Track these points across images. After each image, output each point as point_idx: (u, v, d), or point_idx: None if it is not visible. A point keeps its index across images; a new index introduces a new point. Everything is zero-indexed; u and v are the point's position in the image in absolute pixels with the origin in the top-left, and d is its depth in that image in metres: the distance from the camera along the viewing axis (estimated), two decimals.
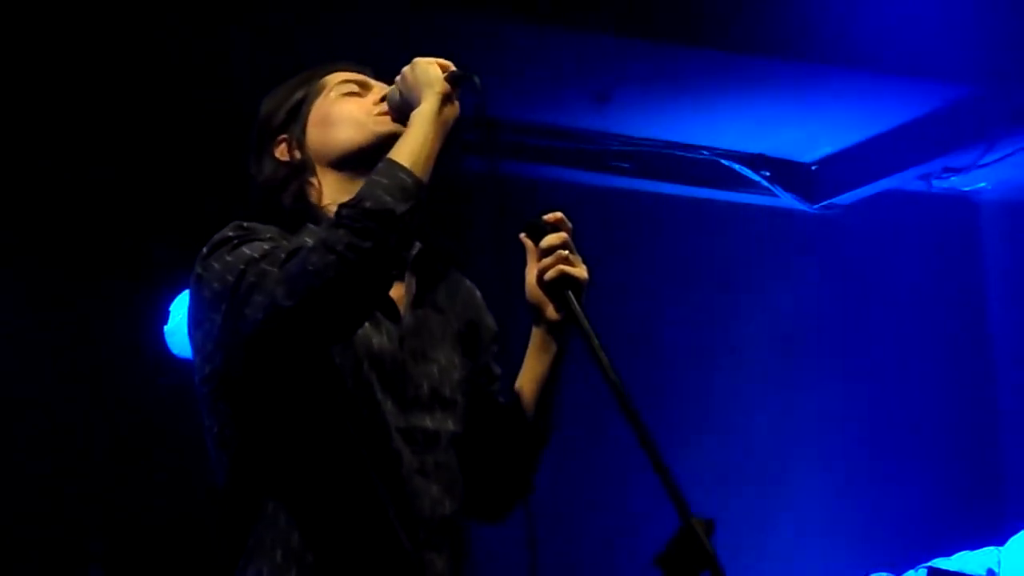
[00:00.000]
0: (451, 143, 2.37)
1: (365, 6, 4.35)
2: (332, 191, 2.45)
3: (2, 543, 4.54)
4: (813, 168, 5.69)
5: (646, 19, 4.56)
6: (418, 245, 2.48)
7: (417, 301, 2.47)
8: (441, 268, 2.54)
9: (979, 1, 4.87)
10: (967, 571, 4.40)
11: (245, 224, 2.37)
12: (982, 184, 5.72)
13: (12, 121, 4.63)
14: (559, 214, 2.46)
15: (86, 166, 4.74)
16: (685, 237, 5.65)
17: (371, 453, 2.32)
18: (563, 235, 2.43)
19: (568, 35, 4.57)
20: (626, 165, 5.40)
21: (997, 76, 5.01)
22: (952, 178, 5.63)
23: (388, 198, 2.22)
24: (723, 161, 5.54)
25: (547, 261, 2.42)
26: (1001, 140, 5.27)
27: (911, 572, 4.43)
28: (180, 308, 4.58)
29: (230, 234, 2.34)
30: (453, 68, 2.40)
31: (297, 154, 2.50)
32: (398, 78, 2.44)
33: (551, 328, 2.49)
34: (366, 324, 2.35)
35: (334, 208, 2.29)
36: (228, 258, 2.29)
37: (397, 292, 2.43)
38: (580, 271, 2.42)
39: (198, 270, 2.34)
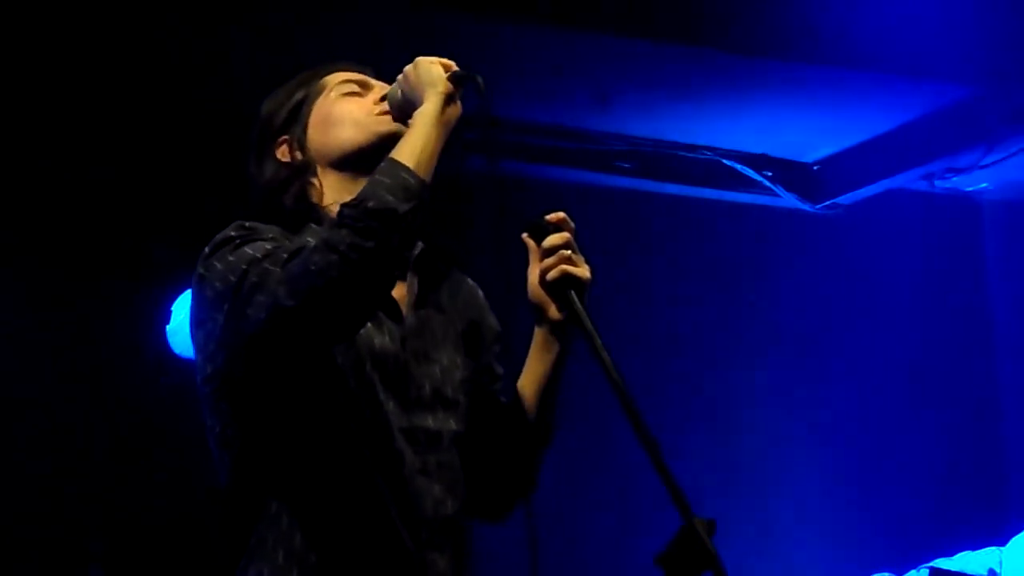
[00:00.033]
0: (452, 143, 2.37)
1: (365, 6, 4.35)
2: (333, 191, 2.45)
3: (2, 543, 4.54)
4: (815, 168, 5.69)
5: (648, 19, 4.55)
6: (420, 245, 2.48)
7: (419, 301, 2.47)
8: (443, 268, 2.54)
9: (980, 1, 4.87)
10: (969, 571, 4.40)
11: (247, 224, 2.37)
12: (984, 184, 5.72)
13: (12, 121, 4.63)
14: (561, 214, 2.46)
15: (86, 166, 4.74)
16: (687, 237, 5.65)
17: (373, 453, 2.32)
18: (566, 235, 2.43)
19: (570, 35, 4.56)
20: (628, 165, 5.40)
21: (999, 76, 5.01)
22: (954, 178, 5.62)
23: (390, 198, 2.22)
24: (725, 161, 5.53)
25: (549, 261, 2.42)
26: (1003, 140, 5.27)
27: (913, 572, 4.43)
28: (182, 308, 4.58)
29: (232, 234, 2.34)
30: (455, 68, 2.40)
31: (298, 155, 2.50)
32: (400, 77, 2.44)
33: (553, 328, 2.49)
34: (368, 324, 2.35)
35: (336, 208, 2.28)
36: (230, 258, 2.29)
37: (399, 292, 2.43)
38: (583, 271, 2.42)
39: (200, 270, 2.34)
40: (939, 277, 5.91)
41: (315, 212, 2.44)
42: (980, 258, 6.03)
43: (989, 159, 5.41)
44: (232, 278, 2.25)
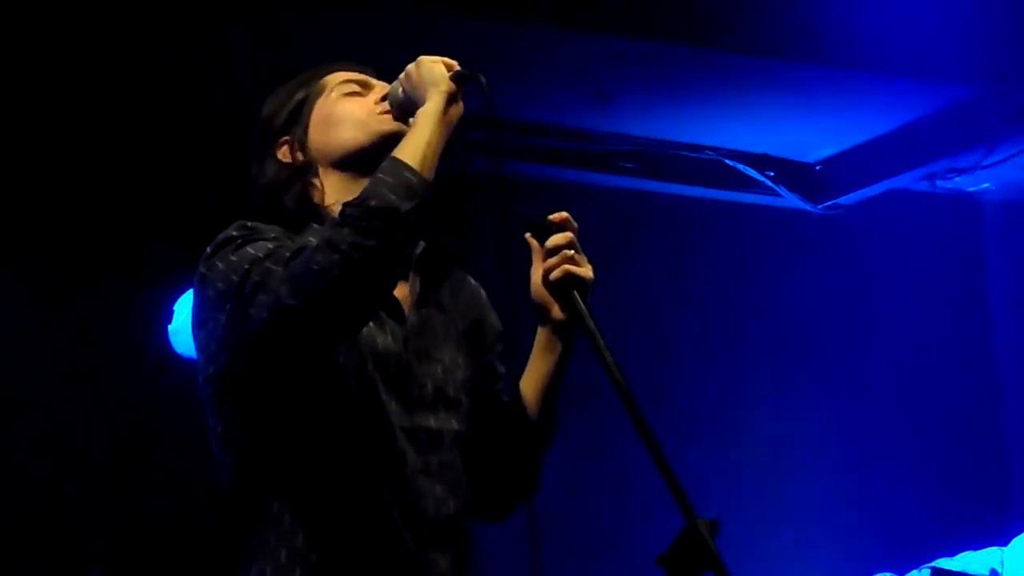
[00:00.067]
0: (454, 142, 2.37)
1: (365, 6, 4.34)
2: (335, 191, 2.45)
3: (2, 543, 4.53)
4: (817, 168, 5.69)
5: (650, 19, 4.55)
6: (422, 244, 2.48)
7: (421, 300, 2.47)
8: (445, 267, 2.54)
9: (981, 2, 4.87)
10: (970, 571, 4.41)
11: (249, 224, 2.37)
12: (986, 184, 5.72)
13: (12, 121, 4.62)
14: (565, 214, 2.46)
15: (86, 166, 4.74)
16: (689, 237, 5.65)
17: (375, 453, 2.32)
18: (569, 235, 2.43)
19: (572, 35, 4.56)
20: (630, 165, 5.40)
21: (999, 76, 5.01)
22: (956, 178, 5.63)
23: (393, 196, 2.21)
24: (727, 161, 5.53)
25: (552, 261, 2.42)
26: (1005, 140, 5.27)
27: (914, 572, 4.43)
28: (184, 307, 4.58)
29: (234, 234, 2.34)
30: (458, 67, 2.40)
31: (299, 155, 2.50)
32: (402, 76, 2.44)
33: (556, 328, 2.49)
34: (370, 324, 2.35)
35: (338, 208, 2.28)
36: (232, 257, 2.28)
37: (401, 292, 2.43)
38: (586, 271, 2.42)
39: (202, 270, 2.34)
40: (940, 277, 5.91)
41: (317, 212, 2.44)
42: (981, 258, 6.03)
43: (990, 159, 5.41)
44: (234, 278, 2.25)
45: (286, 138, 2.52)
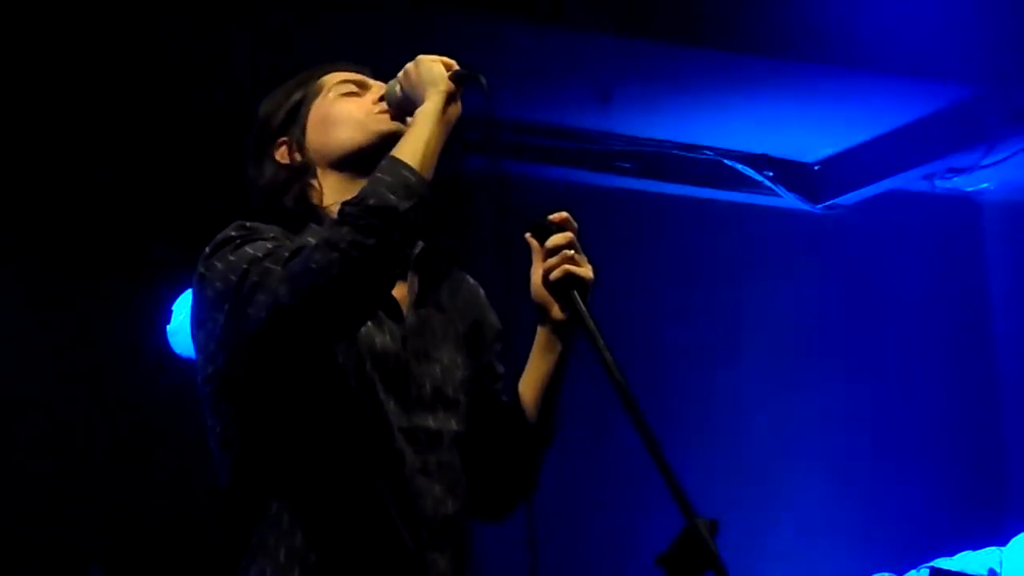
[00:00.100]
0: (452, 142, 2.36)
1: (365, 6, 4.34)
2: (334, 192, 2.44)
3: (2, 543, 4.54)
4: (816, 168, 5.69)
5: (649, 19, 4.55)
6: (420, 244, 2.48)
7: (420, 300, 2.47)
8: (443, 267, 2.53)
9: (980, 1, 4.87)
10: (969, 571, 4.41)
11: (248, 224, 2.37)
12: (985, 184, 5.72)
13: (12, 121, 4.62)
14: (565, 214, 2.46)
15: (86, 166, 4.74)
16: (688, 237, 5.65)
17: (374, 453, 2.31)
18: (569, 235, 2.43)
19: (570, 35, 4.56)
20: (629, 165, 5.40)
21: (999, 76, 5.01)
22: (955, 178, 5.62)
23: (392, 195, 2.22)
24: (726, 161, 5.53)
25: (553, 261, 2.42)
26: (1004, 140, 5.27)
27: (913, 572, 4.44)
28: (183, 307, 4.58)
29: (233, 234, 2.33)
30: (456, 66, 2.40)
31: (297, 156, 2.49)
32: (400, 74, 2.44)
33: (556, 328, 2.49)
34: (369, 323, 2.35)
35: (337, 209, 2.28)
36: (231, 257, 2.28)
37: (400, 292, 2.43)
38: (586, 271, 2.42)
39: (201, 270, 2.33)
40: (940, 277, 5.91)
41: (316, 213, 2.44)
42: (980, 258, 6.02)
43: (990, 159, 5.41)
44: (233, 277, 2.25)
45: (284, 139, 2.51)
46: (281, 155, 2.51)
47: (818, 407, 5.72)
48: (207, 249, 2.34)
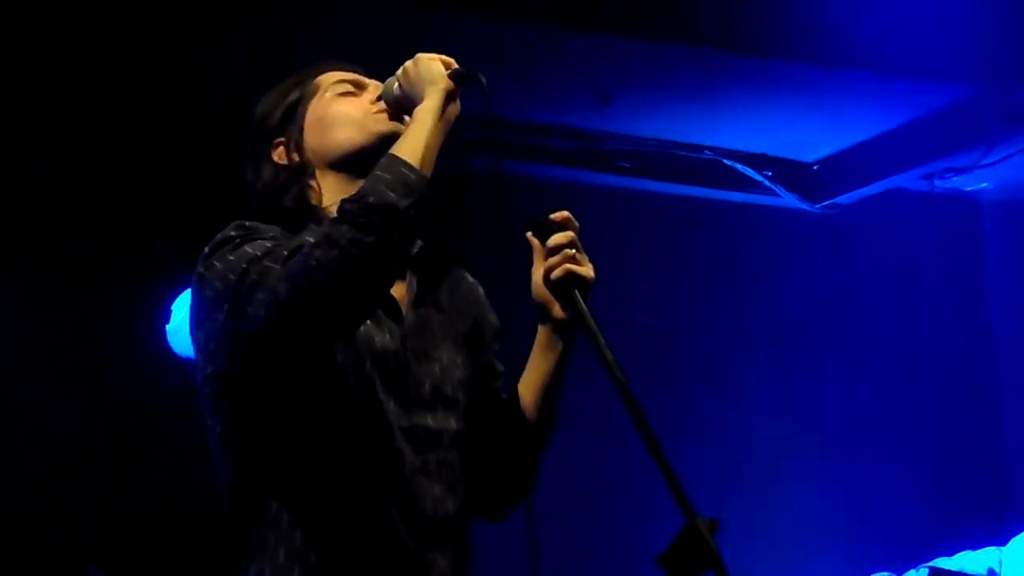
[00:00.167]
0: (450, 141, 2.36)
1: (365, 6, 4.34)
2: (332, 192, 2.44)
3: (2, 543, 4.53)
4: (815, 168, 5.69)
5: (648, 19, 4.55)
6: (419, 243, 2.47)
7: (418, 300, 2.47)
8: (442, 266, 2.53)
9: (980, 2, 4.87)
10: (968, 571, 4.41)
11: (247, 223, 2.37)
12: (984, 184, 5.73)
13: (12, 121, 4.62)
14: (566, 213, 2.46)
15: (86, 166, 4.74)
16: (687, 237, 5.65)
17: (373, 452, 2.31)
18: (570, 234, 2.43)
19: (570, 35, 4.56)
20: (628, 165, 5.40)
21: (999, 76, 5.01)
22: (954, 178, 5.63)
23: (391, 193, 2.22)
24: (725, 161, 5.54)
25: (554, 260, 2.42)
26: (1003, 140, 5.28)
27: (912, 572, 4.44)
28: (182, 307, 4.58)
29: (232, 233, 2.33)
30: (455, 65, 2.40)
31: (295, 156, 2.49)
32: (398, 72, 2.44)
33: (557, 327, 2.49)
34: (368, 323, 2.35)
35: (335, 209, 2.27)
36: (230, 257, 2.28)
37: (399, 291, 2.43)
38: (587, 270, 2.42)
39: (200, 269, 2.33)
40: (938, 277, 5.92)
41: (314, 214, 2.43)
42: (980, 258, 6.03)
43: (989, 159, 5.41)
44: (232, 277, 2.25)
45: (281, 139, 2.51)
46: (279, 156, 2.50)
47: (818, 406, 5.72)
48: (206, 249, 2.34)
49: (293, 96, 2.54)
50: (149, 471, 4.68)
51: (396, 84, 2.44)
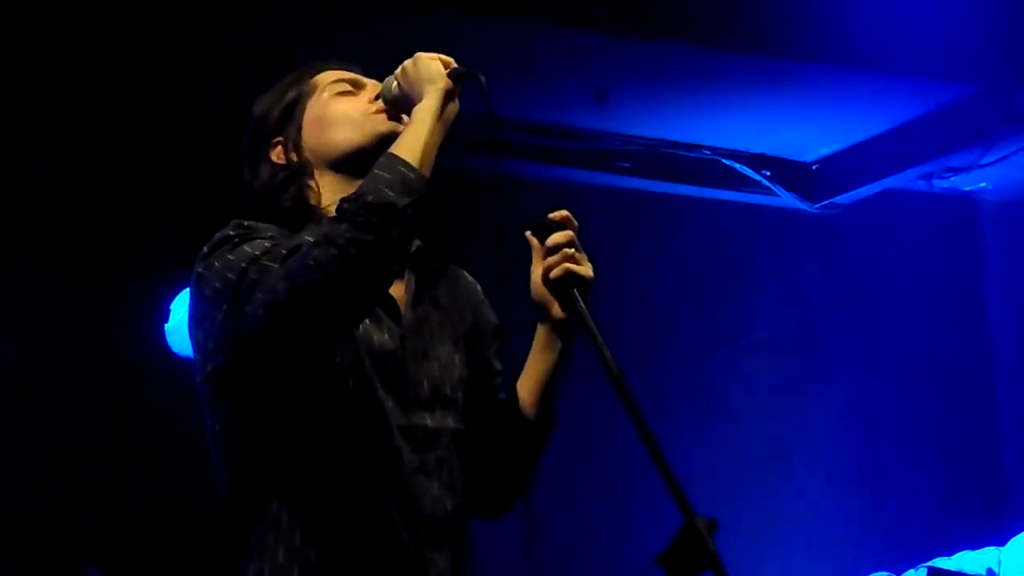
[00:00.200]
0: (449, 140, 2.36)
1: (365, 6, 4.34)
2: (331, 192, 2.44)
3: (2, 543, 4.54)
4: (814, 168, 5.69)
5: (647, 18, 4.55)
6: (417, 242, 2.47)
7: (417, 299, 2.47)
8: (441, 265, 2.53)
9: (979, 1, 4.87)
10: (967, 571, 4.41)
11: (246, 223, 2.36)
12: (983, 184, 5.73)
13: (12, 121, 4.63)
14: (565, 212, 2.46)
15: (86, 166, 4.74)
16: (686, 237, 5.65)
17: (372, 451, 2.31)
18: (569, 233, 2.43)
19: (569, 34, 4.56)
20: (627, 164, 5.40)
21: (998, 76, 5.01)
22: (953, 178, 5.63)
23: (390, 192, 2.22)
24: (724, 160, 5.54)
25: (553, 259, 2.42)
26: (1002, 140, 5.28)
27: (911, 571, 4.44)
28: (180, 307, 4.58)
29: (231, 232, 2.33)
30: (454, 64, 2.40)
31: (294, 156, 2.49)
32: (397, 71, 2.43)
33: (556, 326, 2.49)
34: (367, 322, 2.35)
35: (334, 209, 2.28)
36: (229, 256, 2.28)
37: (397, 290, 2.43)
38: (586, 269, 2.42)
39: (199, 269, 2.33)
40: (937, 276, 5.92)
41: (313, 213, 2.43)
42: (979, 258, 6.03)
43: (988, 159, 5.41)
44: (231, 276, 2.25)
45: (279, 139, 2.50)
46: (277, 155, 2.50)
47: (816, 406, 5.72)
48: (205, 248, 2.34)
49: (291, 95, 2.53)
50: (149, 471, 4.68)
51: (395, 83, 2.43)
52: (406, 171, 2.25)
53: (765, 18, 4.66)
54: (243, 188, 2.53)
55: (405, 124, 2.38)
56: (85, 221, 4.74)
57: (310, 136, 2.49)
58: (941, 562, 4.46)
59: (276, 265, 2.20)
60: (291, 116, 2.51)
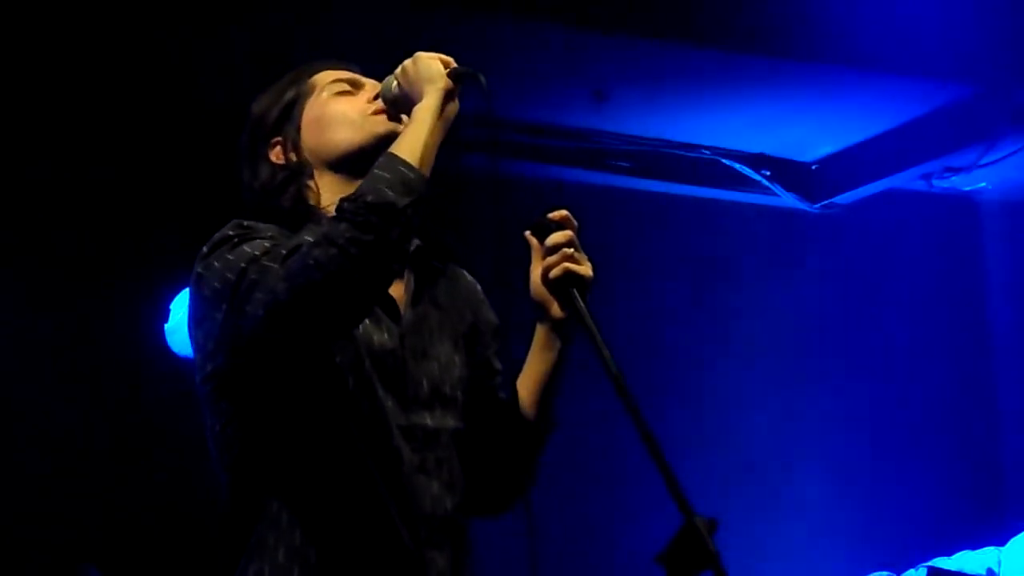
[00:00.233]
0: (448, 140, 2.36)
1: (365, 6, 4.35)
2: (330, 192, 2.43)
3: (2, 543, 4.54)
4: (814, 167, 5.69)
5: (646, 18, 4.55)
6: (416, 242, 2.47)
7: (417, 298, 2.47)
8: (440, 264, 2.53)
9: (979, 1, 4.87)
10: (967, 571, 4.41)
11: (245, 223, 2.36)
12: (983, 184, 5.73)
13: (12, 121, 4.63)
14: (564, 212, 2.46)
15: (86, 166, 4.74)
16: (685, 236, 5.65)
17: (372, 451, 2.31)
18: (568, 233, 2.44)
19: (568, 34, 4.56)
20: (626, 164, 5.41)
21: (998, 76, 5.01)
22: (953, 178, 5.63)
23: (390, 192, 2.21)
24: (723, 160, 5.54)
25: (552, 259, 2.42)
26: (1002, 140, 5.28)
27: (911, 571, 4.44)
28: (180, 307, 4.58)
29: (230, 233, 2.33)
30: (454, 64, 2.40)
31: (293, 156, 2.48)
32: (397, 71, 2.43)
33: (555, 326, 2.49)
34: (367, 322, 2.35)
35: (333, 209, 2.28)
36: (229, 256, 2.28)
37: (397, 290, 2.42)
38: (585, 269, 2.42)
39: (199, 269, 2.33)
40: (937, 277, 5.92)
41: (313, 214, 2.43)
42: (979, 258, 6.03)
43: (988, 159, 5.41)
44: (231, 276, 2.25)
45: (278, 139, 2.50)
46: (276, 155, 2.50)
47: (817, 406, 5.73)
48: (204, 248, 2.34)
49: (289, 95, 2.53)
50: (149, 471, 4.68)
51: (395, 83, 2.43)
52: (406, 171, 2.25)
53: (765, 18, 4.66)
54: (242, 188, 2.53)
55: (404, 124, 2.38)
56: (85, 221, 4.74)
57: (309, 136, 2.49)
58: (941, 562, 4.46)
59: (276, 265, 2.20)
60: (290, 116, 2.51)
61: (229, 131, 2.64)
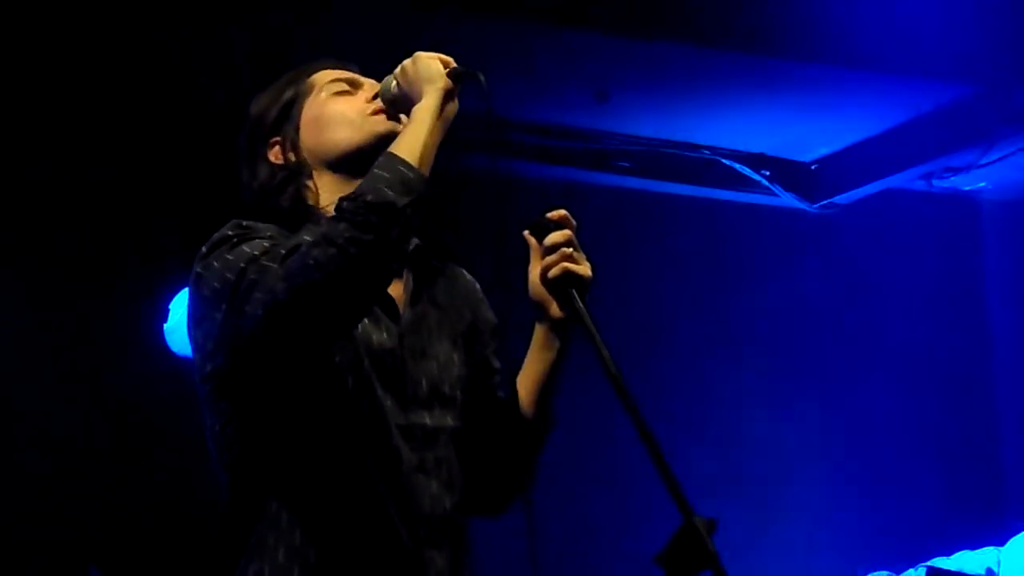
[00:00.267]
0: (447, 140, 2.37)
1: (365, 6, 4.35)
2: (329, 192, 2.43)
3: (2, 543, 4.54)
4: (813, 167, 5.69)
5: (647, 18, 4.56)
6: (415, 241, 2.47)
7: (416, 298, 2.47)
8: (439, 264, 2.53)
9: (979, 1, 4.87)
10: (966, 571, 4.41)
11: (244, 223, 2.36)
12: (982, 184, 5.73)
13: (12, 121, 4.63)
14: (563, 211, 2.46)
15: (86, 166, 4.74)
16: (685, 236, 5.65)
17: (371, 451, 2.31)
18: (567, 232, 2.43)
19: (569, 34, 4.56)
20: (626, 164, 5.41)
21: (997, 76, 5.01)
22: (952, 177, 5.63)
23: (389, 192, 2.21)
24: (723, 160, 5.54)
25: (551, 259, 2.42)
26: (1002, 140, 5.28)
27: (911, 571, 4.44)
28: (180, 306, 4.58)
29: (229, 233, 2.33)
30: (454, 64, 2.40)
31: (292, 156, 2.48)
32: (397, 71, 2.43)
33: (554, 326, 2.49)
34: (366, 321, 2.35)
35: (332, 208, 2.27)
36: (228, 256, 2.28)
37: (396, 289, 2.42)
38: (584, 269, 2.42)
39: (198, 269, 2.33)
40: (937, 276, 5.92)
41: (312, 213, 2.43)
42: (978, 257, 6.03)
43: (987, 159, 5.41)
44: (230, 276, 2.25)
45: (277, 139, 2.50)
46: (275, 155, 2.49)
47: (816, 406, 5.73)
48: (204, 248, 2.34)
49: (288, 95, 2.53)
50: (149, 471, 4.69)
51: (394, 82, 2.43)
52: (405, 170, 2.25)
53: (765, 18, 4.66)
54: (241, 188, 2.53)
55: (404, 124, 2.38)
56: (85, 221, 4.74)
57: (308, 136, 2.49)
58: (941, 562, 4.46)
59: (275, 265, 2.20)
60: (288, 116, 2.51)
61: (229, 131, 2.64)
